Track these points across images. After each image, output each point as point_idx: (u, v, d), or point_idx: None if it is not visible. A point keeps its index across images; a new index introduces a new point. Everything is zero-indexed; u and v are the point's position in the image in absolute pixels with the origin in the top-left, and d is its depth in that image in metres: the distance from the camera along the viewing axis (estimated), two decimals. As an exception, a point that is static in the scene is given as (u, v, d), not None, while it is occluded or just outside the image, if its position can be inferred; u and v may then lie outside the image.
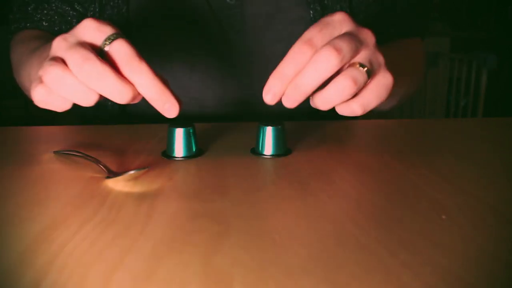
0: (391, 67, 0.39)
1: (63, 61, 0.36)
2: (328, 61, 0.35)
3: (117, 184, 0.36)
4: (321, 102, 0.37)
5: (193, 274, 0.24)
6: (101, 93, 0.36)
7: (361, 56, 0.37)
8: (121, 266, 0.24)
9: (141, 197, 0.34)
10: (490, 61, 1.79)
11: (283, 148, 0.43)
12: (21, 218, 0.30)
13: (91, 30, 0.37)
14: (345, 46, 0.36)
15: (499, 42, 2.55)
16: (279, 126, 0.43)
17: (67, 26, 0.63)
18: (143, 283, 0.23)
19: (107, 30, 0.37)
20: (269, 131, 0.42)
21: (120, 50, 0.36)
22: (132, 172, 0.36)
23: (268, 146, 0.43)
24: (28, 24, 0.64)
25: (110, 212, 0.31)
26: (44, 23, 0.63)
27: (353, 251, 0.26)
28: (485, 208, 0.32)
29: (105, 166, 0.38)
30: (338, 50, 0.35)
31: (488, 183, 0.37)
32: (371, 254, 0.25)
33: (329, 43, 0.36)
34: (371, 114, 0.65)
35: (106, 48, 0.37)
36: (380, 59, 0.39)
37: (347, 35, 0.37)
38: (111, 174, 0.37)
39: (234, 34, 0.63)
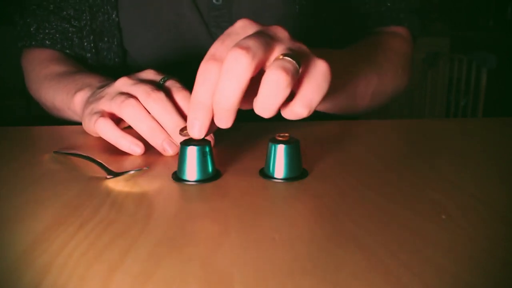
0: (327, 59, 0.35)
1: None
2: (237, 63, 0.31)
3: (117, 184, 0.36)
4: (262, 108, 0.33)
5: (193, 274, 0.24)
6: (162, 123, 0.42)
7: (278, 50, 0.34)
8: (121, 266, 0.24)
9: (141, 197, 0.34)
10: (490, 61, 1.79)
11: (297, 170, 0.38)
12: (21, 218, 0.30)
13: (151, 73, 0.47)
14: (252, 43, 0.32)
15: (499, 42, 2.55)
16: (292, 144, 0.37)
17: (68, 42, 0.67)
18: (143, 283, 0.23)
19: (163, 74, 0.46)
20: (281, 150, 0.37)
21: (175, 84, 0.45)
22: (132, 172, 0.36)
23: (279, 168, 0.37)
24: (33, 43, 0.67)
25: (110, 212, 0.31)
26: (47, 41, 0.66)
27: (353, 251, 0.26)
28: (485, 208, 0.32)
29: (105, 166, 0.38)
30: (245, 48, 0.31)
31: (488, 183, 0.37)
32: (371, 254, 0.25)
33: (234, 45, 0.32)
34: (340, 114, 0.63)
35: (163, 82, 0.45)
36: (303, 48, 0.35)
37: (253, 34, 0.34)
38: (111, 174, 0.37)
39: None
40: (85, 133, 0.53)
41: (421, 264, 0.25)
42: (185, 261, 0.25)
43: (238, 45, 0.32)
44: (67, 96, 0.53)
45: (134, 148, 0.42)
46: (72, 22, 0.66)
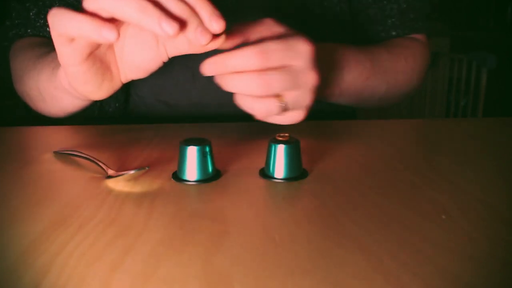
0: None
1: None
2: (257, 88, 0.36)
3: (117, 184, 0.36)
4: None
5: (193, 274, 0.24)
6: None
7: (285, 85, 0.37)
8: (121, 266, 0.24)
9: (141, 197, 0.34)
10: (490, 61, 1.79)
11: (297, 170, 0.38)
12: (21, 218, 0.30)
13: None
14: (279, 82, 0.36)
15: (499, 42, 2.55)
16: (292, 144, 0.37)
17: None
18: (143, 283, 0.23)
19: None
20: (281, 150, 0.37)
21: None
22: (132, 172, 0.36)
23: (279, 168, 0.37)
24: (29, 30, 0.61)
25: (110, 212, 0.31)
26: (47, 28, 0.60)
27: (353, 251, 0.26)
28: (485, 208, 0.32)
29: (105, 166, 0.38)
30: (268, 86, 0.36)
31: (488, 183, 0.37)
32: (371, 254, 0.25)
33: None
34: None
35: None
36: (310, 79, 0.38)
37: (284, 73, 0.37)
38: (111, 174, 0.37)
39: None
40: (85, 133, 0.53)
41: (421, 264, 0.25)
42: (185, 261, 0.25)
43: (268, 83, 0.35)
44: (52, 71, 0.46)
45: (105, 31, 0.32)
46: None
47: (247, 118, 0.64)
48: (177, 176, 0.37)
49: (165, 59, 0.40)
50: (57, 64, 0.45)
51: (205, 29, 0.33)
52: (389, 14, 0.66)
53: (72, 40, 0.35)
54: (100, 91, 0.41)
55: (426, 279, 0.23)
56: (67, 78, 0.40)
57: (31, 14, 0.61)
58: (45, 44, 0.57)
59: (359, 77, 0.54)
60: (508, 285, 0.23)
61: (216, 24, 0.33)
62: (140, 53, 0.40)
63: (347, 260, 0.25)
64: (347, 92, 0.54)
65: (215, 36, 0.35)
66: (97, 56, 0.38)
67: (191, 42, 0.36)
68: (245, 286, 0.23)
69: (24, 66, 0.54)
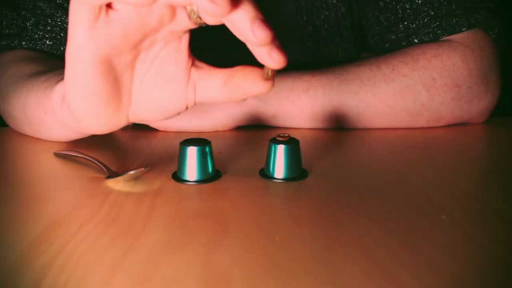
0: None
1: None
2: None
3: (117, 184, 0.36)
4: None
5: (193, 274, 0.24)
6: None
7: None
8: (121, 266, 0.24)
9: (141, 197, 0.34)
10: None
11: (297, 170, 0.38)
12: (21, 218, 0.30)
13: None
14: None
15: (498, 42, 2.55)
16: (292, 144, 0.37)
17: None
18: (143, 283, 0.23)
19: None
20: (281, 150, 0.37)
21: None
22: (132, 172, 0.36)
23: (279, 168, 0.37)
24: (24, 43, 0.55)
25: (110, 212, 0.31)
26: (47, 41, 0.55)
27: (353, 251, 0.26)
28: (485, 208, 0.32)
29: (105, 166, 0.38)
30: None
31: (488, 183, 0.37)
32: (371, 254, 0.25)
33: None
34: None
35: None
36: None
37: None
38: (111, 174, 0.37)
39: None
40: (85, 133, 0.53)
41: (421, 264, 0.25)
42: (185, 261, 0.25)
43: None
44: (44, 92, 0.41)
45: None
46: None
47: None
48: (177, 176, 0.37)
49: (191, 103, 0.33)
50: (50, 84, 0.40)
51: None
52: (402, 16, 0.54)
53: (97, 18, 0.27)
54: (97, 119, 0.32)
55: (426, 279, 0.23)
56: (67, 86, 0.31)
57: (28, 24, 0.55)
58: (42, 61, 0.52)
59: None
60: (508, 285, 0.23)
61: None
62: (163, 92, 0.32)
63: (347, 260, 0.25)
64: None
65: None
66: (113, 67, 0.30)
67: (225, 85, 0.31)
68: (245, 286, 0.23)
69: (12, 81, 0.48)
